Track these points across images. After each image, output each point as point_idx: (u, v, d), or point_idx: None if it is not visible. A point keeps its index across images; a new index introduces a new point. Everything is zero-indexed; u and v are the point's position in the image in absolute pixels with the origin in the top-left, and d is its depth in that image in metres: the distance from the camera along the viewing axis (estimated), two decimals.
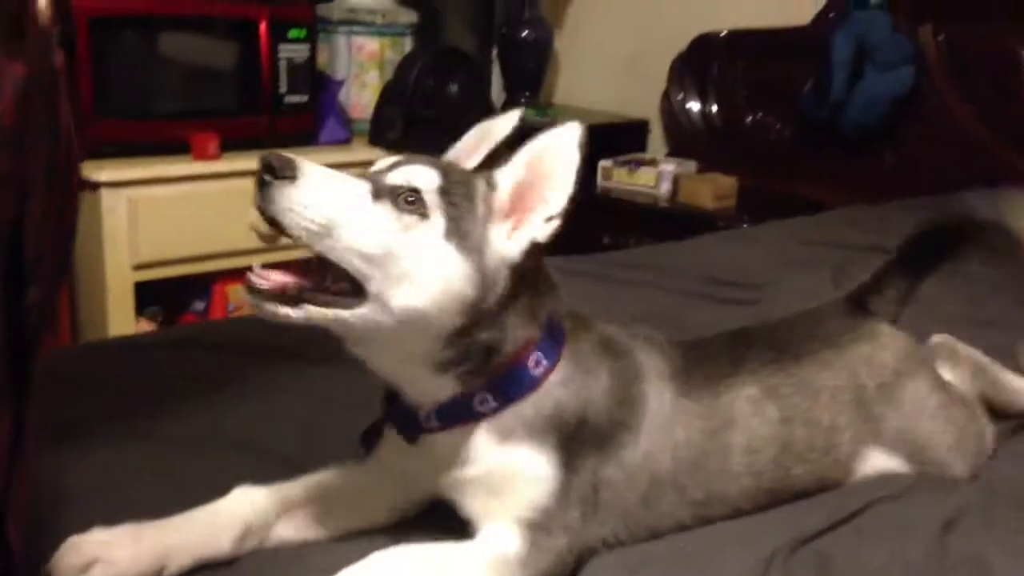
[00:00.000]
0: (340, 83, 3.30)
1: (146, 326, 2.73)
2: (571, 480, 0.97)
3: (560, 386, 0.98)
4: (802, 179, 3.29)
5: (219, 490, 1.01)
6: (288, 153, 0.89)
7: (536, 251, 0.96)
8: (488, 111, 3.55)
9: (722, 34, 3.62)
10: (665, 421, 1.04)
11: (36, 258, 0.78)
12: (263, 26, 2.86)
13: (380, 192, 0.92)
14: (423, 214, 0.92)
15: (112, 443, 1.20)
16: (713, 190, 3.24)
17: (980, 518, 1.10)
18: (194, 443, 1.21)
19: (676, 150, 3.72)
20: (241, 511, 0.99)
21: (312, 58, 3.03)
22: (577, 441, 0.98)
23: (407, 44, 3.48)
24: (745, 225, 2.91)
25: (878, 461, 1.18)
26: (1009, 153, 3.03)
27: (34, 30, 0.74)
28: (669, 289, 1.96)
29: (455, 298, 0.91)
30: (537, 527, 0.96)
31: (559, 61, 4.26)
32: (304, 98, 3.02)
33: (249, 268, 0.91)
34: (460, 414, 0.97)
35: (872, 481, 1.16)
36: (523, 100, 4.00)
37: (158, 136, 2.74)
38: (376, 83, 3.40)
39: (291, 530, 1.02)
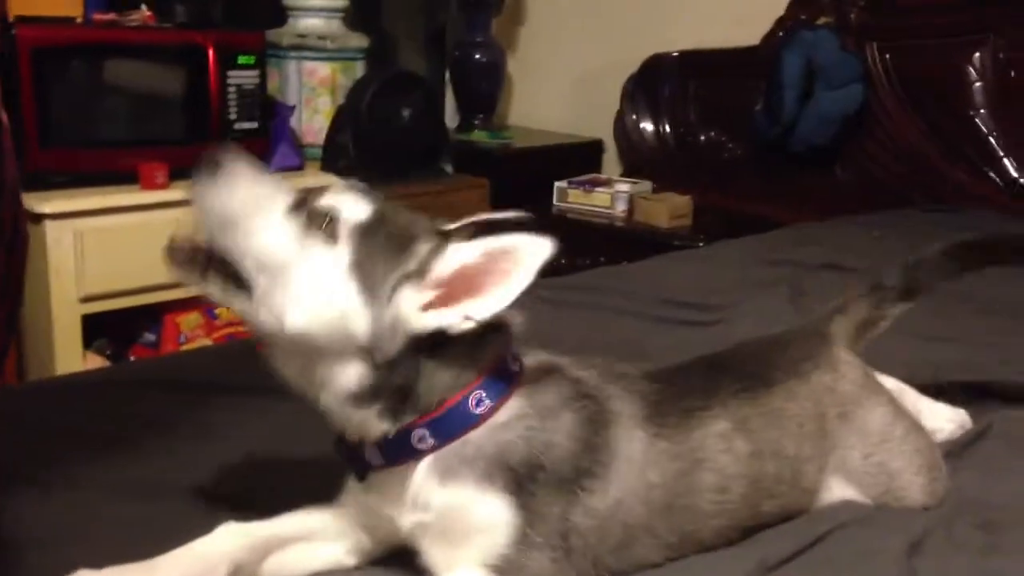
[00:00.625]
0: (291, 109, 3.26)
1: (94, 359, 2.67)
2: (534, 525, 0.93)
3: (505, 428, 0.95)
4: (756, 197, 3.32)
5: (175, 537, 0.97)
6: (240, 155, 0.94)
7: (439, 335, 0.91)
8: (442, 134, 3.54)
9: (674, 54, 3.65)
10: (638, 467, 1.00)
11: None
12: (211, 52, 2.83)
13: (300, 208, 0.93)
14: (330, 240, 0.91)
15: (60, 490, 1.15)
16: (668, 209, 3.25)
17: (946, 539, 1.10)
18: (146, 488, 1.17)
19: (630, 170, 3.74)
20: (229, 548, 0.96)
21: (262, 84, 3.00)
22: (535, 485, 0.94)
23: (359, 69, 3.45)
24: (701, 244, 2.92)
25: (839, 491, 1.16)
26: (956, 168, 3.08)
27: None
28: (626, 312, 1.94)
29: (342, 332, 0.91)
30: (506, 572, 0.93)
31: (512, 83, 4.27)
32: (254, 125, 2.98)
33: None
34: (400, 451, 0.95)
35: (836, 506, 1.15)
36: (477, 123, 3.99)
37: (105, 166, 2.69)
38: (328, 108, 3.38)
39: (276, 568, 1.00)
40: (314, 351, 0.92)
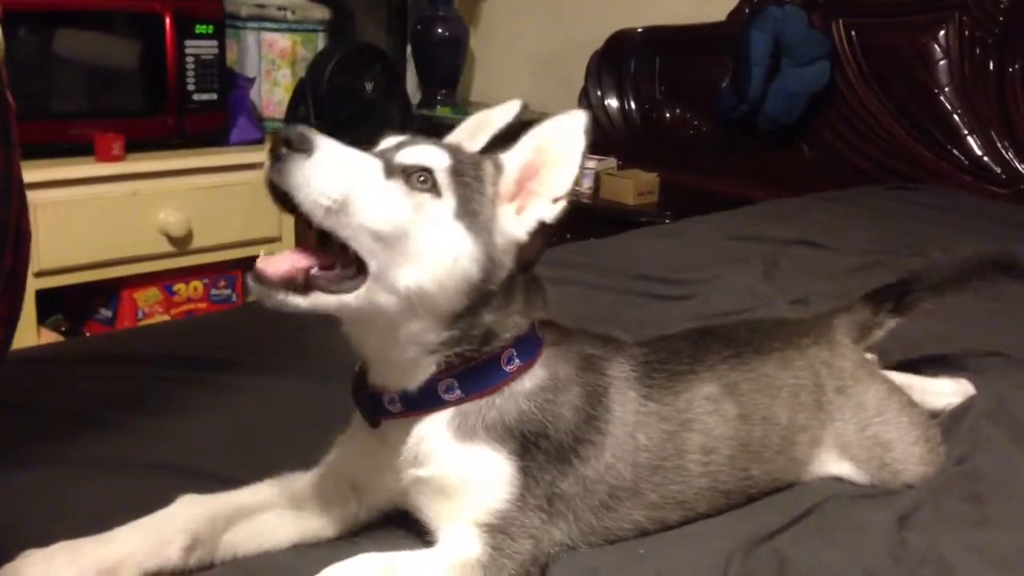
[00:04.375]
0: (251, 81, 3.19)
1: (49, 336, 2.59)
2: (530, 488, 0.95)
3: (528, 397, 0.97)
4: (722, 174, 3.31)
5: (140, 515, 0.93)
6: (315, 131, 0.89)
7: (541, 234, 0.96)
8: (405, 109, 3.49)
9: (639, 30, 3.62)
10: (628, 430, 1.02)
11: None
12: (168, 21, 2.75)
13: (392, 170, 0.91)
14: (435, 193, 0.92)
15: (21, 467, 1.10)
16: (635, 187, 3.23)
17: (935, 512, 1.09)
18: (114, 465, 1.13)
19: (596, 147, 3.71)
20: (186, 520, 0.93)
21: (221, 55, 2.92)
22: (537, 451, 0.96)
23: (320, 41, 3.38)
24: (668, 221, 2.90)
25: (835, 465, 1.16)
26: (919, 145, 3.09)
27: None
28: (601, 287, 1.92)
29: (460, 278, 0.91)
30: (498, 531, 0.93)
31: (475, 59, 4.21)
32: (213, 96, 2.91)
33: (256, 257, 0.90)
34: (424, 400, 0.95)
35: (826, 480, 1.15)
36: (439, 98, 3.94)
37: (59, 137, 2.61)
38: (288, 81, 3.31)
39: (241, 540, 0.97)
40: (425, 309, 0.91)
